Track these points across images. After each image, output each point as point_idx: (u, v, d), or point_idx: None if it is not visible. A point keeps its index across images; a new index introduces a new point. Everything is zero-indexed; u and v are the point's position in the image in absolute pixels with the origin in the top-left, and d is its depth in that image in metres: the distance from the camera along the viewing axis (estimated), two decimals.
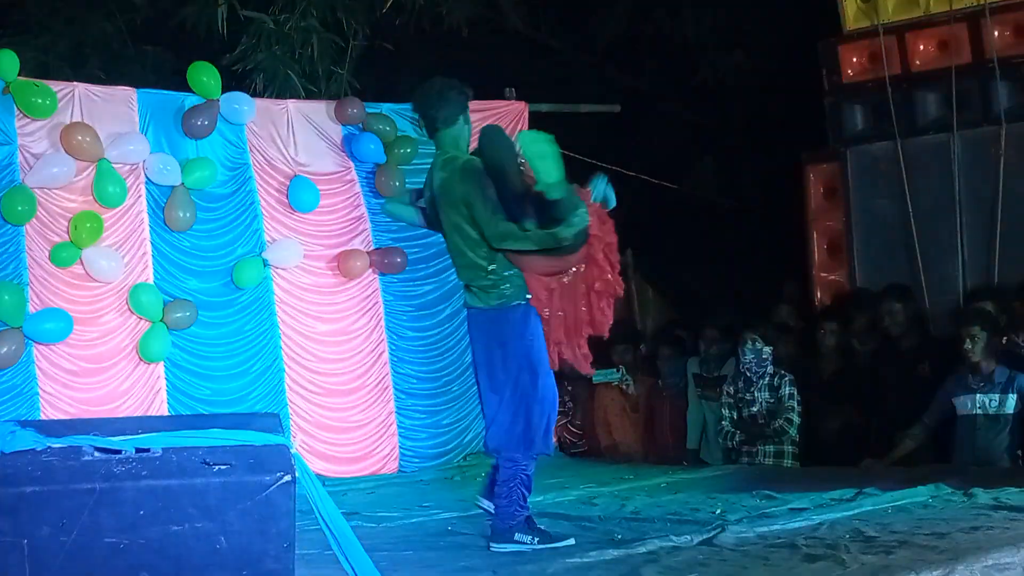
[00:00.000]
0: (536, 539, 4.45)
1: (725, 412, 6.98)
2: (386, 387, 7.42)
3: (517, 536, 4.45)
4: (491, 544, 4.48)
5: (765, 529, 4.50)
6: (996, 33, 7.27)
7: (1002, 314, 6.62)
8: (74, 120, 6.58)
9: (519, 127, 8.04)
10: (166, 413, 6.59)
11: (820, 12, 8.13)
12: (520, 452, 4.50)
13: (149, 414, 6.50)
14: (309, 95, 8.38)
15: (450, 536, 4.87)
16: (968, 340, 6.19)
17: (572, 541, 4.48)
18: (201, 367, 6.88)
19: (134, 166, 6.76)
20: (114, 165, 6.65)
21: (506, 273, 4.55)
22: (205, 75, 7.00)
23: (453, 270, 7.67)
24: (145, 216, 6.78)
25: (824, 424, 6.96)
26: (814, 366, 7.19)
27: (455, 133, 4.67)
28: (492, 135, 4.70)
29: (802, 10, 8.70)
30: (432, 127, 4.68)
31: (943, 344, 6.77)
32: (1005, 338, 6.45)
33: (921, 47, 7.59)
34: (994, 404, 6.17)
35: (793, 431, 6.81)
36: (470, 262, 4.58)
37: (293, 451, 2.92)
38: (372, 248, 7.46)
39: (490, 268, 4.55)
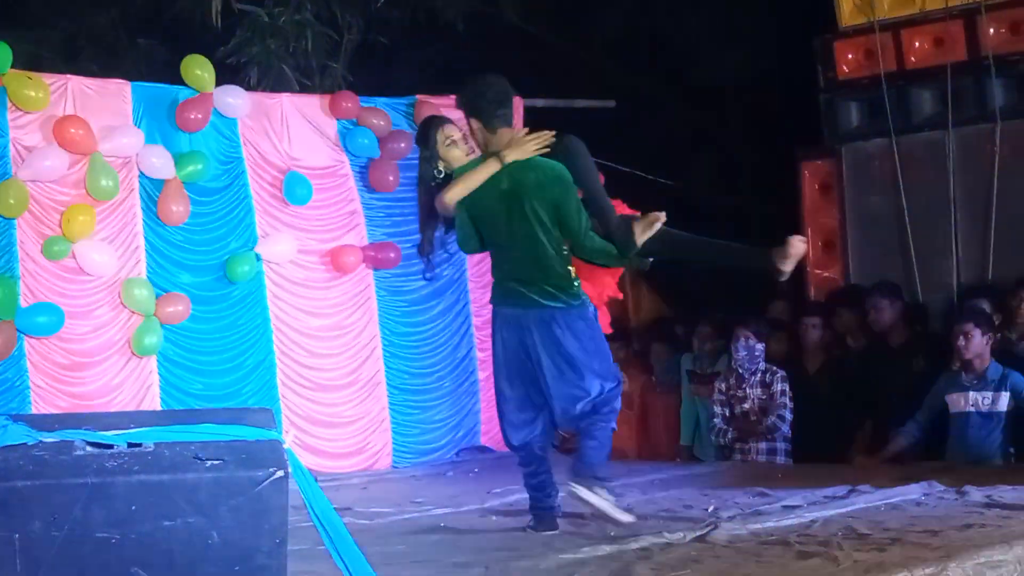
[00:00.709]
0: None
1: (717, 409, 6.98)
2: (379, 382, 7.42)
3: (597, 489, 4.50)
4: (572, 480, 4.51)
5: (758, 526, 4.49)
6: (992, 30, 7.28)
7: (996, 312, 6.63)
8: (67, 113, 6.56)
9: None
10: (158, 407, 6.58)
11: (816, 9, 8.13)
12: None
13: (141, 408, 6.50)
14: (303, 89, 8.38)
15: (443, 531, 4.86)
16: (962, 337, 6.19)
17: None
18: (193, 361, 6.87)
19: (127, 159, 6.74)
20: (107, 158, 6.63)
21: (575, 275, 4.70)
22: (199, 68, 6.98)
23: (446, 265, 7.74)
24: (138, 210, 6.77)
25: (814, 420, 6.96)
26: (800, 362, 7.21)
27: (510, 134, 4.73)
28: (582, 149, 4.78)
29: (798, 7, 8.70)
30: (492, 124, 4.70)
31: (934, 340, 6.78)
32: (999, 334, 6.46)
33: (917, 44, 7.59)
34: (987, 402, 6.18)
35: (786, 428, 6.81)
36: (548, 263, 4.62)
37: (286, 446, 2.91)
38: (366, 243, 7.44)
39: (570, 270, 4.66)
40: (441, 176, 4.85)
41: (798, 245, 4.84)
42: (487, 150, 4.73)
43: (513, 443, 4.79)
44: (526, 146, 4.63)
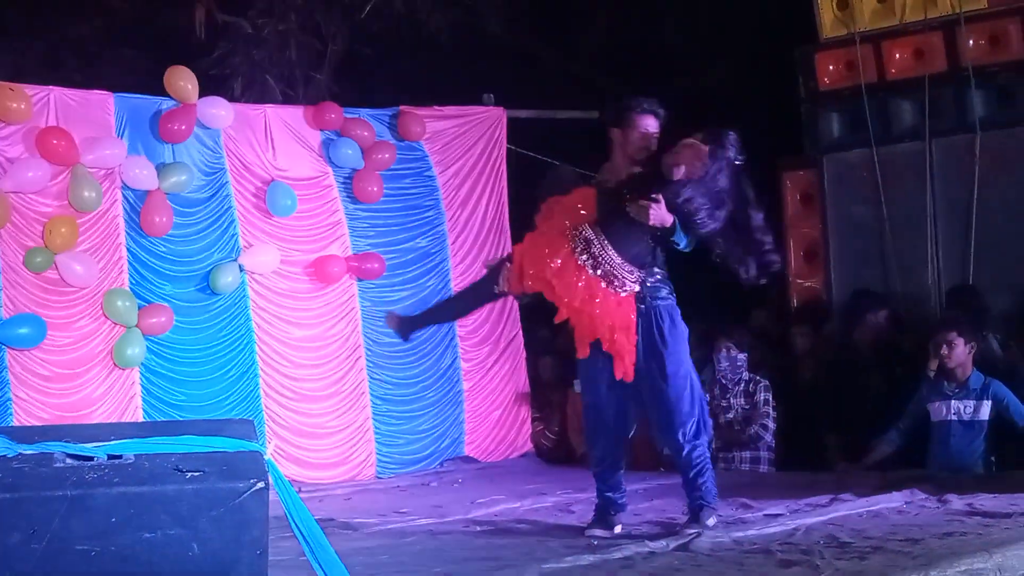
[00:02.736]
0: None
1: None
2: (362, 393, 7.41)
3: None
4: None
5: (740, 535, 4.51)
6: (971, 42, 7.33)
7: (983, 313, 6.67)
8: (49, 124, 6.55)
9: (498, 133, 8.06)
10: (141, 419, 6.55)
11: (797, 20, 8.18)
12: None
13: (124, 420, 6.47)
14: (287, 99, 8.38)
15: (426, 542, 4.86)
16: (945, 346, 6.22)
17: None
18: (176, 373, 6.85)
19: (110, 170, 6.73)
20: (89, 169, 6.62)
21: None
22: (182, 79, 6.98)
23: (429, 276, 7.76)
24: (121, 221, 6.75)
25: (807, 428, 6.99)
26: (791, 371, 7.22)
27: None
28: None
29: (780, 18, 8.74)
30: None
31: (913, 348, 6.82)
32: (984, 336, 6.50)
33: (897, 55, 7.64)
34: (969, 410, 6.20)
35: (769, 437, 6.84)
36: None
37: (267, 457, 2.91)
38: (349, 254, 7.44)
39: None
40: None
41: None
42: None
43: None
44: None
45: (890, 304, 7.25)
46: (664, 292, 4.79)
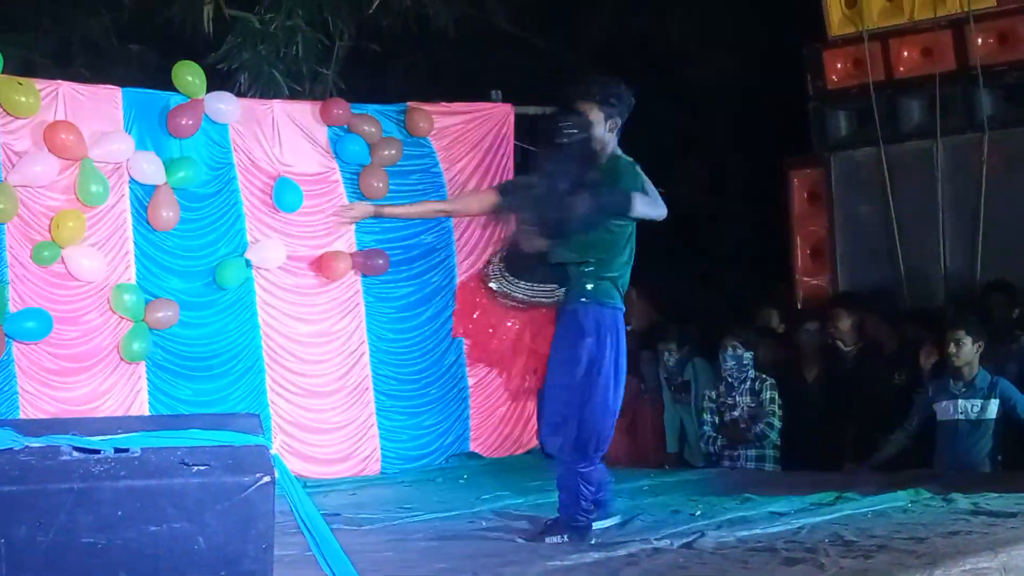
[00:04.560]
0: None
1: (707, 417, 7.00)
2: (367, 388, 7.42)
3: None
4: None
5: (745, 533, 4.51)
6: (980, 41, 7.34)
7: (1014, 308, 6.66)
8: (58, 118, 6.55)
9: (505, 130, 8.06)
10: (147, 413, 6.57)
11: (805, 17, 8.17)
12: None
13: (130, 414, 6.48)
14: (294, 95, 8.37)
15: (431, 538, 4.86)
16: (953, 345, 6.20)
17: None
18: (182, 367, 6.86)
19: (117, 165, 6.74)
20: (97, 164, 6.63)
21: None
22: (190, 74, 6.99)
23: (434, 272, 7.74)
24: (128, 215, 6.76)
25: (805, 427, 6.98)
26: (796, 368, 7.21)
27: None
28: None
29: (787, 15, 8.73)
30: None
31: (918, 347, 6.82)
32: (1017, 337, 6.50)
33: (905, 54, 7.65)
34: (976, 409, 6.19)
35: (774, 435, 6.84)
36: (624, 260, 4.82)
37: (272, 452, 2.91)
38: (355, 250, 7.45)
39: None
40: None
41: None
42: (604, 150, 4.97)
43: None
44: None
45: (869, 307, 7.21)
46: None
